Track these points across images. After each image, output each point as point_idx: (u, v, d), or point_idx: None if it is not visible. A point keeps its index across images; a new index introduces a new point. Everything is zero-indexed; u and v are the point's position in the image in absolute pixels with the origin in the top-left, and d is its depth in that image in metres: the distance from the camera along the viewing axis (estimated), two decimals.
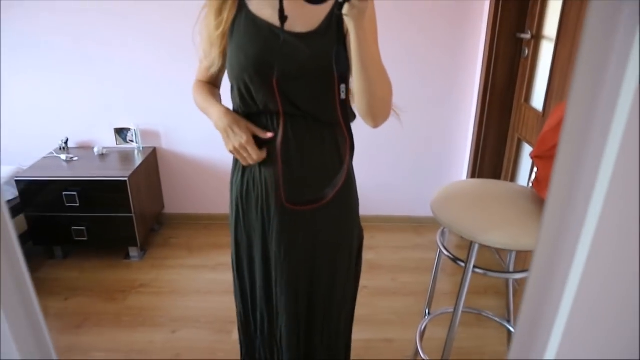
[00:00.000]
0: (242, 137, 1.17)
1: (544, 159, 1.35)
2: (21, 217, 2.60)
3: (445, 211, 1.35)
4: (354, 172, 1.33)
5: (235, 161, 1.32)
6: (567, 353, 0.47)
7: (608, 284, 0.45)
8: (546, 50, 2.24)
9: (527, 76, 2.38)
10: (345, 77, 1.06)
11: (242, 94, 1.19)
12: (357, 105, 1.12)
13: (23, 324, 0.53)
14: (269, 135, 1.19)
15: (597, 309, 0.46)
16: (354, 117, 1.24)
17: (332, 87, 1.07)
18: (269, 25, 1.13)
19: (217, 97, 1.31)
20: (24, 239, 2.64)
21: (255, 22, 1.14)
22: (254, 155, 1.19)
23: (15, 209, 2.57)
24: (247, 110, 1.22)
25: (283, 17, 1.01)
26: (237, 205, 1.34)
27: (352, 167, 1.32)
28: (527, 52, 2.38)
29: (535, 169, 1.50)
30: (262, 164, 1.24)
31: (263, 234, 1.31)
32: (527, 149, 2.44)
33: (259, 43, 1.13)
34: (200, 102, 1.30)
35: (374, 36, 1.11)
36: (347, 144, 1.19)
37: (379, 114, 1.11)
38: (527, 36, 2.33)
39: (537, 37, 2.29)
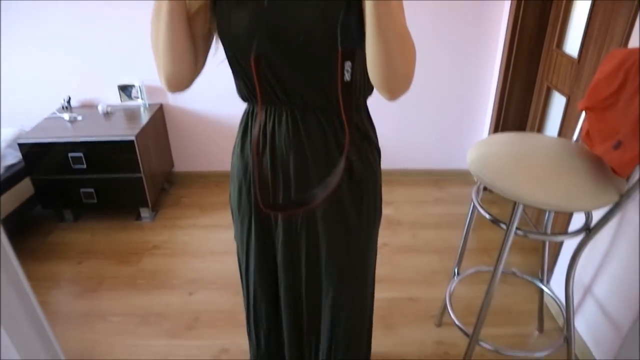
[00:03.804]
0: None
1: (596, 110, 1.22)
2: (27, 181, 2.51)
3: (485, 169, 1.24)
4: (379, 165, 1.13)
5: (238, 139, 1.13)
6: None
7: None
8: None
9: (560, 19, 2.19)
10: (352, 53, 0.82)
11: (235, 69, 0.99)
12: (370, 75, 0.87)
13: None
14: None
15: None
16: (371, 90, 1.03)
17: (334, 65, 0.85)
18: None
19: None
20: (31, 202, 2.56)
21: None
22: None
23: (20, 173, 2.48)
24: (248, 95, 1.02)
25: None
26: (233, 197, 1.18)
27: (378, 161, 1.12)
28: None
29: (581, 121, 1.37)
30: (243, 156, 1.09)
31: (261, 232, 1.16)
32: (557, 98, 2.29)
33: (248, 3, 0.89)
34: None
35: None
36: (346, 136, 0.93)
37: (396, 89, 0.87)
38: None
39: None
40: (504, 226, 1.25)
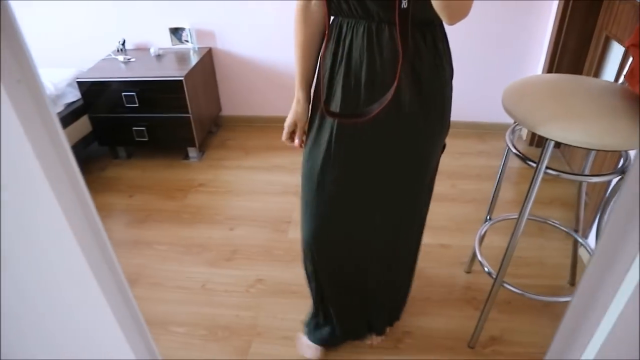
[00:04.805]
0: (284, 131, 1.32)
1: None
2: (85, 118, 2.68)
3: (518, 104, 1.22)
4: (450, 86, 1.19)
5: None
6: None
7: None
8: None
9: None
10: None
11: None
12: None
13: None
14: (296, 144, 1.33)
15: None
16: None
17: None
18: None
19: (316, 47, 1.23)
20: (89, 139, 2.74)
21: None
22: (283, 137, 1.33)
23: (79, 110, 2.64)
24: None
25: None
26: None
27: (448, 75, 1.17)
28: None
29: (630, 61, 1.31)
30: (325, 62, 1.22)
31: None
32: (615, 49, 2.16)
33: None
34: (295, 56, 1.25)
35: None
36: (399, 57, 1.02)
37: (452, 15, 0.93)
38: None
39: None
40: (532, 164, 1.24)
